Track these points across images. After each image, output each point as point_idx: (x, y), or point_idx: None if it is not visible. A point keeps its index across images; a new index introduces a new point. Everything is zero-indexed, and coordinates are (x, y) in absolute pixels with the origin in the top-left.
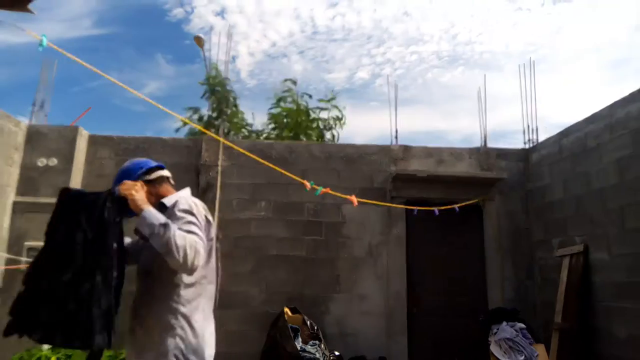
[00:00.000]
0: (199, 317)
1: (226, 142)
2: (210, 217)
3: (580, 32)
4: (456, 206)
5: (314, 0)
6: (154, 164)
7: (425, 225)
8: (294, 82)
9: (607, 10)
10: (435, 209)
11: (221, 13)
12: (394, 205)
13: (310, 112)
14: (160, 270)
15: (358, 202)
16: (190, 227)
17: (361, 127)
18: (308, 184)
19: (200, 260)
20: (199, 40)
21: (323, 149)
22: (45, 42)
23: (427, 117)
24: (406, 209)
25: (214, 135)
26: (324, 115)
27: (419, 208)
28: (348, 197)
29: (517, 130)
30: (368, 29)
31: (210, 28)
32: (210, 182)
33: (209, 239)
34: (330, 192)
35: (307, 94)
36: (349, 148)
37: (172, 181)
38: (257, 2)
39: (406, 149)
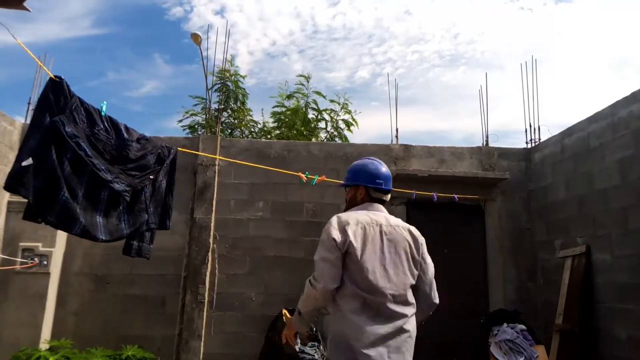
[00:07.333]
0: None
1: (221, 158)
2: (351, 224)
3: (582, 31)
4: (456, 196)
5: None
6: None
7: (425, 225)
8: (307, 79)
9: (609, 10)
10: (435, 194)
11: (221, 12)
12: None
13: (321, 114)
14: None
15: None
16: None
17: (361, 126)
18: (303, 176)
19: (320, 284)
20: (196, 38)
21: (322, 148)
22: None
23: (428, 116)
24: (408, 202)
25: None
26: (332, 116)
27: (417, 192)
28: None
29: (519, 130)
30: (369, 28)
31: (209, 27)
32: (208, 182)
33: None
34: (326, 179)
35: (320, 94)
36: (349, 147)
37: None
38: (257, 0)
39: (406, 148)
